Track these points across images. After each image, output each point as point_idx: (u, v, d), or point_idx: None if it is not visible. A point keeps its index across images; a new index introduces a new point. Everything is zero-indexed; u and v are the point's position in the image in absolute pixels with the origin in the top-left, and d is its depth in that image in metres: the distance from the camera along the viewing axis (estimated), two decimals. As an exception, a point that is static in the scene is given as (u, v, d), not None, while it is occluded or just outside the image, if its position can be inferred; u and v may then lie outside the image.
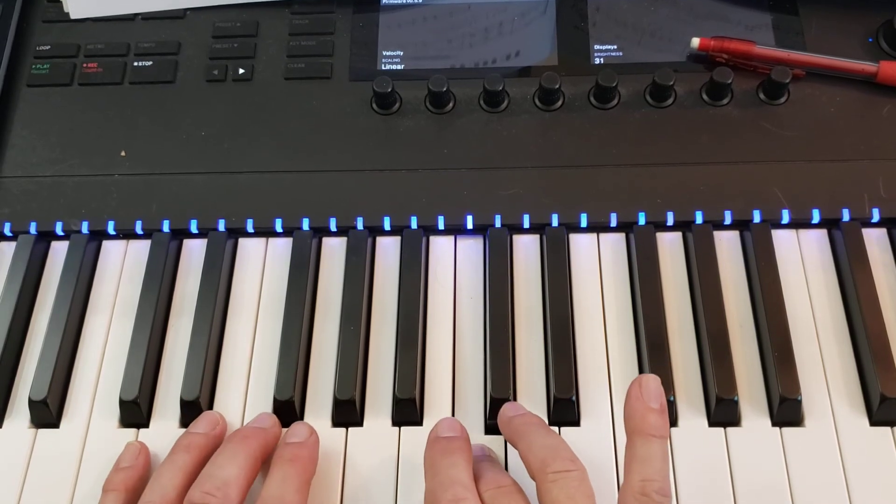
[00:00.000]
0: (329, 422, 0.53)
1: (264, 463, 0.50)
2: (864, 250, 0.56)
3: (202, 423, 0.52)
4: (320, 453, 0.51)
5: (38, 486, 0.52)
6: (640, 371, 0.54)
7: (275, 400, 0.53)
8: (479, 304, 0.57)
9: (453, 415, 0.53)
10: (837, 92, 0.62)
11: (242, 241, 0.60)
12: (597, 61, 0.64)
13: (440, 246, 0.59)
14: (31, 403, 0.54)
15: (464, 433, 0.48)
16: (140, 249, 0.60)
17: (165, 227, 0.60)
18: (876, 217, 0.57)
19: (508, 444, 0.51)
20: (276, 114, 0.63)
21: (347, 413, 0.53)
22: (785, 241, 0.58)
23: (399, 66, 0.64)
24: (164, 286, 0.58)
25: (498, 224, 0.58)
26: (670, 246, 0.59)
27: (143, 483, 0.49)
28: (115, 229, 0.60)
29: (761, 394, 0.53)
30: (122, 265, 0.60)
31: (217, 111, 0.63)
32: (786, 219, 0.58)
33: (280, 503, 0.45)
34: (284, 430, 0.52)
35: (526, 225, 0.59)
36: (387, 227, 0.59)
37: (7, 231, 0.60)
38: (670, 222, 0.58)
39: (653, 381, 0.45)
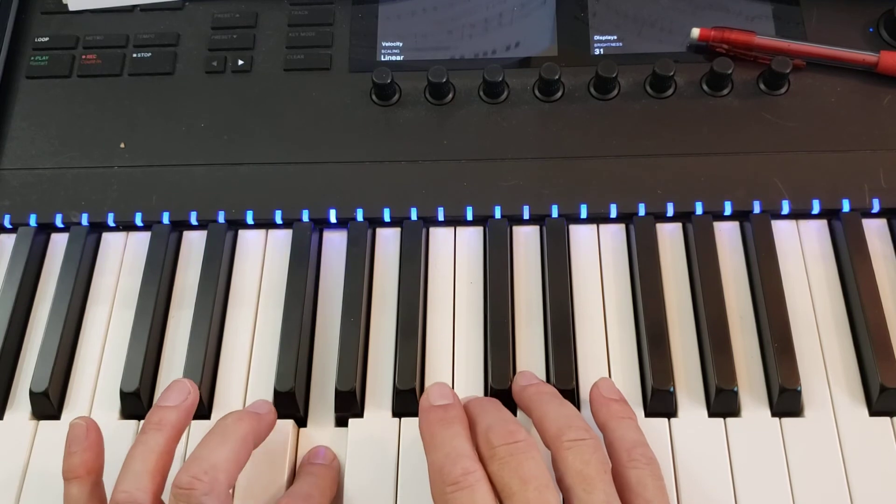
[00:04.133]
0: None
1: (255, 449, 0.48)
2: (865, 241, 0.56)
3: (172, 394, 0.48)
4: (320, 444, 0.52)
5: (39, 478, 0.52)
6: (640, 363, 0.54)
7: (275, 391, 0.53)
8: (480, 295, 0.57)
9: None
10: (838, 82, 0.61)
11: (242, 233, 0.60)
12: (597, 52, 0.64)
13: (440, 237, 0.59)
14: (32, 395, 0.54)
15: (456, 399, 0.48)
16: (140, 241, 0.60)
17: (165, 219, 0.60)
18: (876, 207, 0.57)
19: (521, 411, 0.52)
20: (275, 105, 0.63)
21: (348, 404, 0.53)
22: (785, 232, 0.58)
23: (398, 58, 0.64)
24: (165, 278, 0.58)
25: (498, 215, 0.58)
26: (670, 237, 0.59)
27: (102, 462, 0.47)
28: (114, 221, 0.60)
29: (761, 384, 0.53)
30: (123, 257, 0.60)
31: (216, 103, 0.63)
32: (786, 209, 0.57)
33: (308, 500, 0.46)
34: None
35: (526, 216, 0.59)
36: (387, 218, 0.59)
37: (7, 223, 0.60)
38: (670, 213, 0.58)
39: (607, 381, 0.51)
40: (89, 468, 0.47)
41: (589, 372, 0.54)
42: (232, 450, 0.45)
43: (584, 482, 0.43)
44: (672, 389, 0.52)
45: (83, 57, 0.65)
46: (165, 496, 0.46)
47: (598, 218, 0.59)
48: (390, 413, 0.53)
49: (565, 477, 0.44)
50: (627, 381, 0.53)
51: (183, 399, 0.48)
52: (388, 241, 0.59)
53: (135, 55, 0.65)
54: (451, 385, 0.54)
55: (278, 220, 0.59)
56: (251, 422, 0.48)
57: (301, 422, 0.53)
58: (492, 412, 0.47)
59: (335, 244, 0.60)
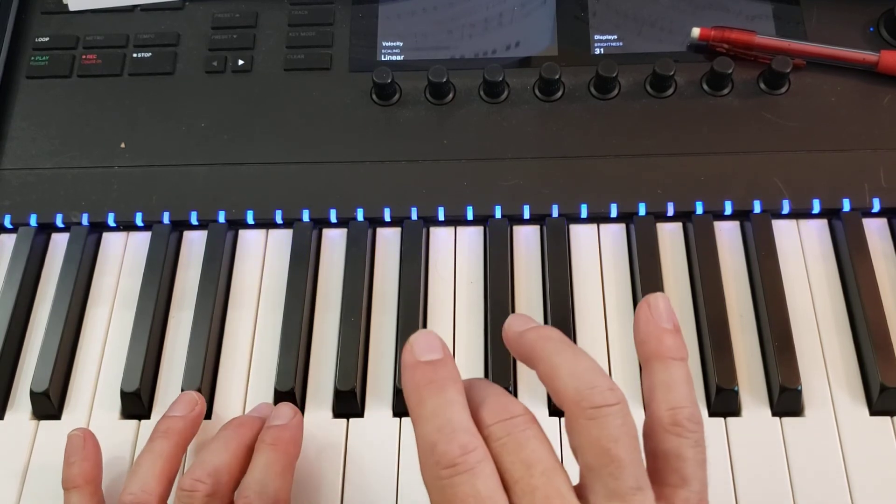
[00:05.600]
0: (330, 412, 0.53)
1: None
2: (865, 240, 0.56)
3: (180, 405, 0.51)
4: (320, 444, 0.52)
5: (40, 478, 0.52)
6: (640, 362, 0.54)
7: (275, 391, 0.53)
8: (480, 295, 0.57)
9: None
10: (838, 82, 0.61)
11: (243, 233, 0.60)
12: (597, 51, 0.64)
13: (440, 237, 0.59)
14: (33, 395, 0.54)
15: (447, 351, 0.38)
16: (140, 241, 0.60)
17: (166, 219, 0.60)
18: (876, 207, 0.57)
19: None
20: (275, 105, 0.63)
21: (348, 404, 0.53)
22: (785, 232, 0.58)
23: (399, 57, 0.64)
24: (165, 278, 0.58)
25: (498, 215, 0.58)
26: (671, 236, 0.59)
27: (100, 471, 0.49)
28: (115, 221, 0.60)
29: (761, 384, 0.53)
30: (123, 257, 0.60)
31: (217, 103, 0.63)
32: (786, 209, 0.57)
33: (262, 489, 0.44)
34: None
35: (526, 216, 0.59)
36: (387, 218, 0.59)
37: (7, 223, 0.60)
38: (671, 213, 0.58)
39: (662, 300, 0.40)
40: (87, 477, 0.48)
41: (589, 371, 0.54)
42: (234, 453, 0.47)
43: (611, 464, 0.35)
44: (672, 389, 0.52)
45: (83, 57, 0.65)
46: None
47: (598, 217, 0.59)
48: (391, 413, 0.53)
49: (586, 452, 0.36)
50: (628, 381, 0.53)
51: (190, 410, 0.51)
52: (388, 241, 0.59)
53: (135, 55, 0.65)
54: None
55: (279, 220, 0.59)
56: (253, 426, 0.49)
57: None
58: (482, 387, 0.38)
59: (335, 244, 0.60)
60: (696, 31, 0.62)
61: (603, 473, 0.35)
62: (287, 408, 0.50)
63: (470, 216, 0.59)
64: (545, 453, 0.36)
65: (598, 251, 0.58)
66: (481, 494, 0.34)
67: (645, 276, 0.55)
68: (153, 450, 0.48)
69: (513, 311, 0.56)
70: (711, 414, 0.52)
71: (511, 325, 0.41)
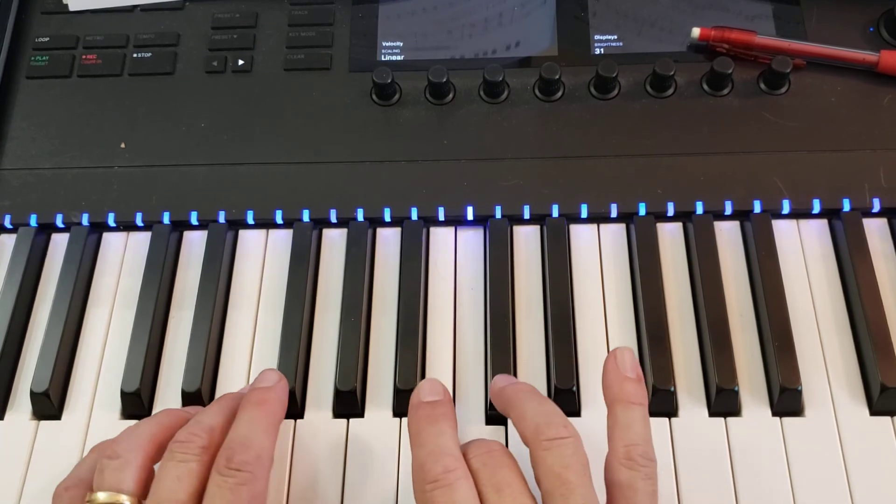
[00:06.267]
0: (330, 413, 0.53)
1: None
2: (865, 240, 0.56)
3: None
4: (321, 444, 0.52)
5: (40, 479, 0.52)
6: (641, 362, 0.54)
7: (276, 391, 0.53)
8: (480, 295, 0.57)
9: (454, 406, 0.53)
10: (838, 82, 0.61)
11: (243, 233, 0.60)
12: (597, 51, 0.64)
13: (440, 237, 0.59)
14: (33, 395, 0.54)
15: (446, 395, 0.47)
16: (140, 241, 0.60)
17: (166, 219, 0.60)
18: (877, 207, 0.57)
19: (509, 423, 0.51)
20: (275, 105, 0.63)
21: (348, 404, 0.53)
22: (785, 232, 0.58)
23: (399, 57, 0.64)
24: (165, 278, 0.58)
25: (498, 215, 0.58)
26: (671, 236, 0.59)
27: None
28: (115, 221, 0.60)
29: (762, 384, 0.53)
30: (123, 257, 0.60)
31: (217, 103, 0.63)
32: (786, 209, 0.57)
33: (247, 443, 0.44)
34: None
35: (526, 216, 0.59)
36: (387, 218, 0.59)
37: (7, 223, 0.60)
38: (671, 213, 0.58)
39: (627, 353, 0.47)
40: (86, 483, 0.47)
41: (589, 372, 0.54)
42: (227, 419, 0.46)
43: (562, 486, 0.41)
44: (673, 389, 0.52)
45: (83, 57, 0.65)
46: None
47: (598, 217, 0.59)
48: (391, 413, 0.53)
49: (543, 480, 0.42)
50: (628, 381, 0.53)
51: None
52: (388, 241, 0.59)
53: (135, 55, 0.65)
54: (451, 384, 0.54)
55: (279, 220, 0.59)
56: (279, 401, 0.48)
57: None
58: (475, 440, 0.46)
59: (335, 244, 0.60)
60: (696, 31, 0.62)
61: (556, 495, 0.41)
62: (272, 372, 0.49)
63: (470, 216, 0.59)
64: (513, 479, 0.42)
65: (598, 251, 0.58)
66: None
67: (645, 276, 0.55)
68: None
69: (513, 311, 0.56)
70: (711, 414, 0.52)
71: (494, 383, 0.49)
